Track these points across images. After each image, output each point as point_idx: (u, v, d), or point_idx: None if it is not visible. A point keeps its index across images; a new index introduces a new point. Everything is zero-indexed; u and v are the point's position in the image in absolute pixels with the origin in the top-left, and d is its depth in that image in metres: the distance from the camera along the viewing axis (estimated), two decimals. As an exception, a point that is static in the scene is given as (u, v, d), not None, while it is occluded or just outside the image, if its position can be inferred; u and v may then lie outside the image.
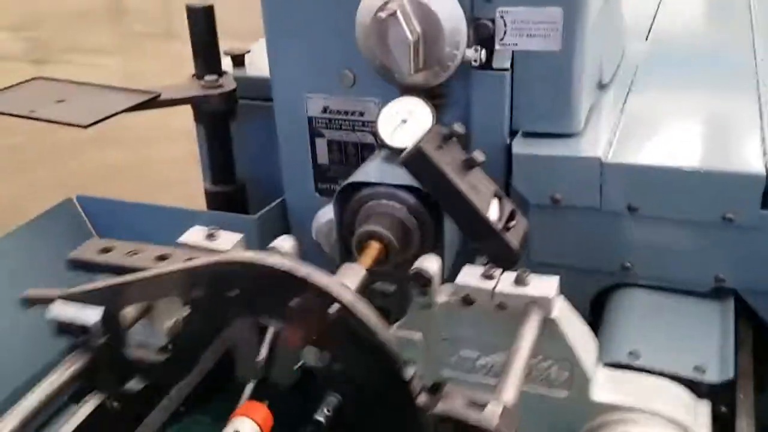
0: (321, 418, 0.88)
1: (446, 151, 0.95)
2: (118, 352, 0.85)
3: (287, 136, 1.24)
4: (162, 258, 0.91)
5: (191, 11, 1.30)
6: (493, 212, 0.94)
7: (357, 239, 0.99)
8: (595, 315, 1.11)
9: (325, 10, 1.12)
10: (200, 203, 1.48)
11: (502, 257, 0.93)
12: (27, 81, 1.29)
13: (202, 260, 0.78)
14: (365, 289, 0.90)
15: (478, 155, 0.95)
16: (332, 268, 0.96)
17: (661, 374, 0.92)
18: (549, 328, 0.85)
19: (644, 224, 1.04)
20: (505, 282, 0.88)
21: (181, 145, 3.82)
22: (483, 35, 1.05)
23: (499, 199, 0.97)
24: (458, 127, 0.96)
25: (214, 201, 1.46)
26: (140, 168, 3.69)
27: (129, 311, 0.90)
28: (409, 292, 0.91)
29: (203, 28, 1.32)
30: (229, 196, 1.45)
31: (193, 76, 1.37)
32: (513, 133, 1.10)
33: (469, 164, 0.95)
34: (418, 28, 1.02)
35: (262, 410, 0.75)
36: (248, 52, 1.48)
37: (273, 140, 1.38)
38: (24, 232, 1.29)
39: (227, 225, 1.28)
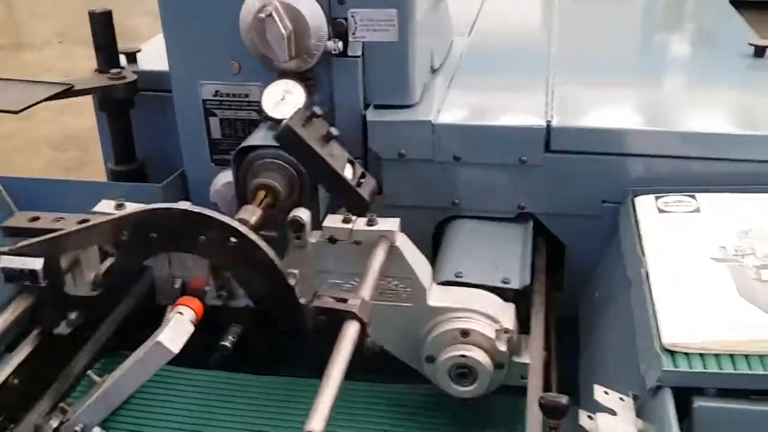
0: (227, 344, 1.18)
1: (310, 128, 1.26)
2: (60, 291, 1.10)
3: (185, 117, 1.51)
4: (83, 222, 1.15)
5: (94, 16, 1.55)
6: (348, 173, 1.26)
7: (251, 189, 1.29)
8: (435, 244, 1.46)
9: (212, 12, 1.40)
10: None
11: (356, 206, 1.25)
12: (-54, 78, 1.49)
13: (127, 210, 1.04)
14: (261, 225, 1.20)
15: (334, 130, 1.26)
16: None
17: (479, 287, 1.25)
18: (393, 254, 1.17)
19: (466, 169, 1.40)
20: (359, 224, 1.19)
21: (40, 155, 3.93)
22: (339, 30, 1.37)
23: (352, 163, 1.29)
24: (317, 109, 1.28)
25: (118, 179, 1.70)
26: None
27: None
28: (288, 236, 1.21)
29: (104, 30, 1.57)
30: (131, 173, 1.70)
31: (96, 70, 1.61)
32: (366, 106, 1.43)
33: (327, 137, 1.27)
34: (290, 26, 1.32)
35: (195, 301, 1.04)
36: (139, 50, 1.73)
37: (165, 125, 1.65)
38: None
39: (137, 194, 1.54)
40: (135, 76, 1.56)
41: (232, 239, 1.02)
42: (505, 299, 1.25)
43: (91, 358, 1.28)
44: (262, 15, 1.30)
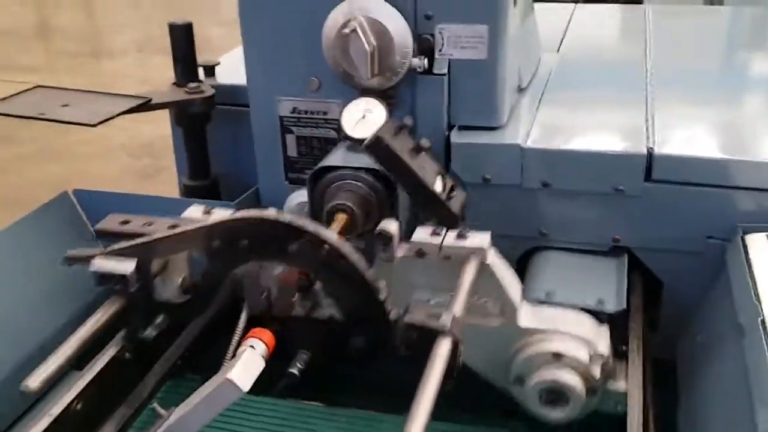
0: (295, 371, 1.12)
1: (399, 139, 1.19)
2: (149, 296, 1.06)
3: (261, 133, 1.46)
4: (173, 227, 1.12)
5: (174, 28, 1.52)
6: (438, 186, 1.19)
7: (327, 212, 1.23)
8: (519, 275, 1.37)
9: (294, 27, 1.35)
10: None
11: (446, 220, 1.17)
12: (27, 90, 1.48)
13: (218, 217, 1.00)
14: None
15: (425, 142, 1.19)
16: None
17: (572, 307, 1.17)
18: (484, 271, 1.10)
19: (555, 197, 1.30)
20: (449, 238, 1.12)
21: (115, 161, 3.99)
22: (425, 47, 1.30)
23: (442, 175, 1.22)
24: (407, 120, 1.21)
25: (192, 194, 1.67)
26: (78, 183, 3.81)
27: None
28: (375, 249, 1.15)
29: (183, 42, 1.54)
30: (205, 189, 1.66)
31: (174, 84, 1.58)
32: (450, 127, 1.35)
33: (417, 149, 1.20)
34: (374, 42, 1.26)
35: (267, 333, 0.98)
36: (218, 64, 1.70)
37: (241, 140, 1.61)
38: (21, 226, 1.41)
39: (209, 211, 1.51)
40: (213, 91, 1.53)
41: (324, 248, 0.96)
42: (600, 321, 1.17)
43: (157, 382, 1.24)
44: (347, 30, 1.23)
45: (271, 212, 0.99)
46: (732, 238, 1.22)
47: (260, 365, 0.94)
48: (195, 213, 1.21)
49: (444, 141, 1.35)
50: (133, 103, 1.39)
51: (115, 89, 1.53)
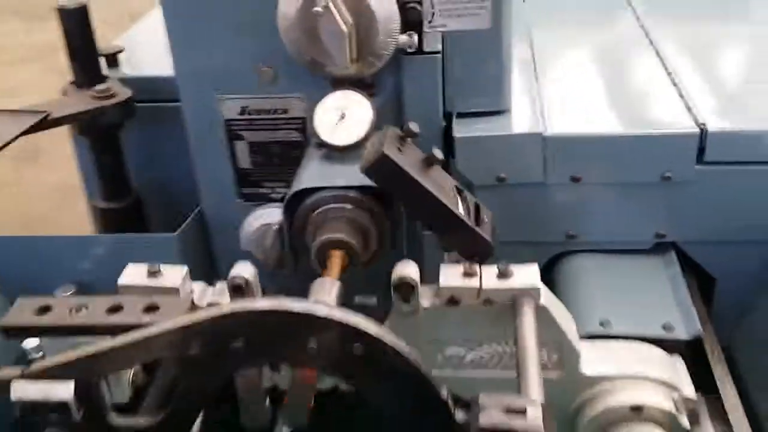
0: None
1: (406, 153, 0.91)
2: (102, 423, 0.74)
3: (201, 142, 1.14)
4: (114, 310, 0.80)
5: (64, 13, 1.15)
6: (460, 208, 0.92)
7: (317, 250, 0.94)
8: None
9: (233, 5, 1.03)
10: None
11: (479, 252, 0.91)
12: None
13: (200, 314, 0.69)
14: (342, 301, 0.85)
15: (437, 153, 0.91)
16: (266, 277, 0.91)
17: (634, 338, 0.95)
18: (540, 316, 0.85)
19: (588, 192, 1.06)
20: (488, 277, 0.86)
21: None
22: (412, 20, 1.01)
23: (460, 192, 0.95)
24: (413, 127, 0.92)
25: (108, 219, 1.33)
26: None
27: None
28: (393, 301, 0.88)
29: (78, 31, 1.18)
30: (125, 212, 1.32)
31: (72, 84, 1.23)
32: (447, 116, 1.08)
33: (429, 162, 0.92)
34: (350, 19, 0.96)
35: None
36: (121, 50, 1.34)
37: (166, 145, 1.28)
38: None
39: (142, 247, 1.18)
40: (128, 92, 1.18)
41: (357, 345, 0.67)
42: (669, 351, 0.94)
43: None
44: (318, 9, 0.92)
45: (273, 301, 0.68)
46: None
47: None
48: (137, 278, 0.90)
49: (441, 134, 1.08)
50: (25, 122, 1.04)
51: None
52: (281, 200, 1.04)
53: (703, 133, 1.01)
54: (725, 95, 1.14)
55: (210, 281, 1.26)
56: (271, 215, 1.14)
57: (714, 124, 1.02)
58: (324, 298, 0.84)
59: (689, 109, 1.07)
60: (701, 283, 1.11)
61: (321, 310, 0.67)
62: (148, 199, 1.35)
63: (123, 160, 1.29)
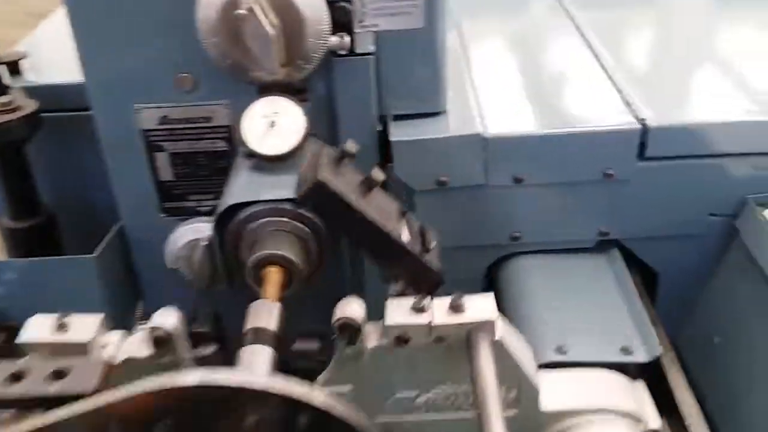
0: None
1: (344, 175, 0.85)
2: None
3: (117, 154, 1.05)
4: (16, 377, 0.70)
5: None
6: (405, 235, 0.87)
7: (253, 268, 0.87)
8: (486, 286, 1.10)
9: (147, 7, 0.95)
10: None
11: (425, 282, 0.86)
12: None
13: (116, 394, 0.60)
14: (284, 324, 0.80)
15: (378, 174, 0.86)
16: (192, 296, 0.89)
17: (592, 364, 0.90)
18: (496, 350, 0.78)
19: (530, 193, 1.03)
20: (439, 312, 0.79)
21: None
22: (341, 19, 0.95)
23: (404, 215, 0.90)
24: (351, 147, 0.86)
25: (17, 239, 1.22)
26: None
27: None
28: (336, 343, 0.82)
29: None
30: (36, 230, 1.22)
31: (-36, 97, 1.12)
32: (381, 120, 1.03)
33: (368, 185, 0.86)
34: (276, 21, 0.89)
35: None
36: (24, 56, 1.23)
37: (78, 156, 1.19)
38: None
39: (57, 272, 1.09)
40: (33, 104, 1.08)
41: (302, 417, 0.60)
42: (630, 375, 0.91)
43: None
44: (242, 11, 0.86)
45: (204, 373, 0.60)
46: (741, 213, 1.02)
47: None
48: (43, 331, 0.79)
49: (375, 139, 1.02)
50: None
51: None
52: (209, 213, 0.97)
53: (644, 129, 0.99)
54: (661, 88, 1.13)
55: (134, 304, 1.19)
56: (198, 230, 1.07)
57: (654, 120, 1.00)
58: (264, 326, 0.78)
59: (628, 104, 1.05)
60: (644, 278, 1.10)
61: (258, 382, 0.60)
62: (64, 216, 1.25)
63: (30, 174, 1.19)
